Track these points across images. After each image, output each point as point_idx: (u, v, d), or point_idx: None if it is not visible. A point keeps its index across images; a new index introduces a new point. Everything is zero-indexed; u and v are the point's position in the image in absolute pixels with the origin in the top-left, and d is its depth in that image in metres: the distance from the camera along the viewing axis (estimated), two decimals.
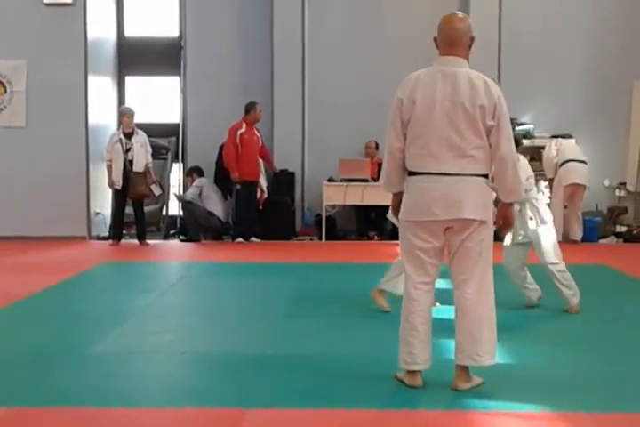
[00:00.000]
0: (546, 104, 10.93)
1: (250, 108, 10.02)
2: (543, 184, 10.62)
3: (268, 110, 10.87)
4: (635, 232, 10.32)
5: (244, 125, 10.00)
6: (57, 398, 3.70)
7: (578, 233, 9.89)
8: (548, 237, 5.57)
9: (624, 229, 10.50)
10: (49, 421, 3.43)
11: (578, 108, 10.89)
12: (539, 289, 5.74)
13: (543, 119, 10.88)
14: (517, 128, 10.67)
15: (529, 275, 5.72)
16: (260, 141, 10.20)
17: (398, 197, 3.83)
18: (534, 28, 10.80)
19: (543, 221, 5.55)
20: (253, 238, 10.08)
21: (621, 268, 7.79)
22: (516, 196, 3.77)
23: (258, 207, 10.27)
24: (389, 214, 5.69)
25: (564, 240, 9.80)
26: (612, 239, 10.38)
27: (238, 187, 10.08)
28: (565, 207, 9.86)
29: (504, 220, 3.79)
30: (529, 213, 5.56)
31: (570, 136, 10.65)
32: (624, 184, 10.83)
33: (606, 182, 10.76)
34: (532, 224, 5.55)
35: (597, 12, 10.87)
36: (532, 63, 10.81)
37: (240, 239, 10.05)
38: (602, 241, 10.30)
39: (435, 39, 3.79)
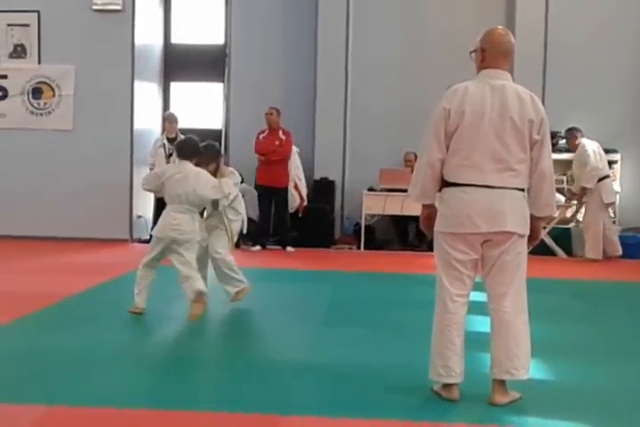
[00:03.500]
0: (591, 118, 10.78)
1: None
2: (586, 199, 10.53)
3: (310, 118, 10.93)
4: None
5: (266, 130, 10.04)
6: (98, 398, 3.74)
7: (619, 248, 9.74)
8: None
9: None
10: (88, 420, 3.47)
11: (623, 123, 10.75)
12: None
13: (588, 133, 10.71)
14: (561, 141, 10.58)
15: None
16: (283, 145, 9.92)
17: (431, 209, 3.82)
18: (580, 41, 10.69)
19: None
20: (289, 248, 10.01)
21: None
22: (550, 210, 3.79)
23: (285, 215, 10.07)
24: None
25: (606, 257, 9.64)
26: None
27: (257, 192, 10.03)
28: None
29: (533, 233, 3.78)
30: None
31: (614, 151, 10.52)
32: None
33: None
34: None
35: None
36: (578, 76, 10.70)
37: (258, 247, 9.93)
38: None
39: (479, 51, 3.76)
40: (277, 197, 10.01)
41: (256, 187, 10.15)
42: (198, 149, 5.82)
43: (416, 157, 10.41)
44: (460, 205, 3.68)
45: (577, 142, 9.73)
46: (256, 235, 9.99)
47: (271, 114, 10.02)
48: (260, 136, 10.03)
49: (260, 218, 10.06)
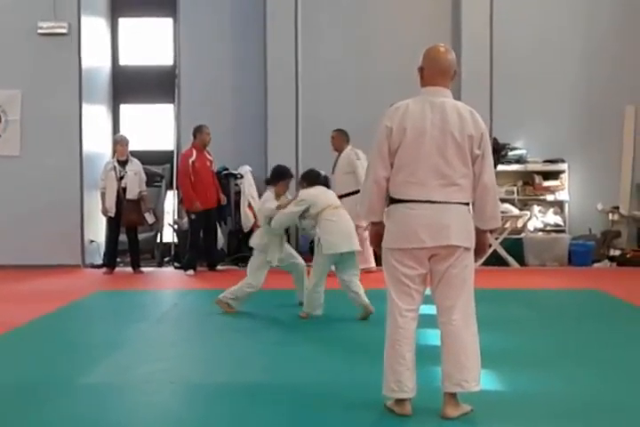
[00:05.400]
0: (538, 129, 11.00)
1: (196, 131, 9.55)
2: (537, 208, 10.75)
3: (262, 136, 10.94)
4: (628, 256, 10.34)
5: (194, 152, 9.56)
6: None
7: None
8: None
9: (618, 252, 10.52)
10: None
11: (570, 133, 10.97)
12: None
13: (536, 144, 10.94)
14: (510, 153, 10.75)
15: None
16: (213, 165, 9.79)
17: (379, 226, 3.86)
18: (526, 55, 10.90)
19: None
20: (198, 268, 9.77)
21: (615, 292, 7.78)
22: (495, 223, 3.84)
23: (216, 235, 9.91)
24: (252, 242, 6.76)
25: None
26: (606, 263, 10.39)
27: (193, 217, 9.54)
28: None
29: (480, 246, 3.83)
30: None
31: (562, 161, 10.75)
32: (617, 208, 10.87)
33: (599, 206, 10.80)
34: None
35: (589, 38, 10.98)
36: (525, 89, 10.90)
37: (191, 271, 9.62)
38: (595, 265, 10.31)
39: (420, 69, 3.83)
40: (210, 218, 9.73)
41: (191, 211, 9.62)
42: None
43: None
44: (405, 221, 3.72)
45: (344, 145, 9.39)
46: (190, 260, 9.75)
47: (209, 134, 9.62)
48: (190, 160, 9.47)
49: (194, 243, 9.71)
